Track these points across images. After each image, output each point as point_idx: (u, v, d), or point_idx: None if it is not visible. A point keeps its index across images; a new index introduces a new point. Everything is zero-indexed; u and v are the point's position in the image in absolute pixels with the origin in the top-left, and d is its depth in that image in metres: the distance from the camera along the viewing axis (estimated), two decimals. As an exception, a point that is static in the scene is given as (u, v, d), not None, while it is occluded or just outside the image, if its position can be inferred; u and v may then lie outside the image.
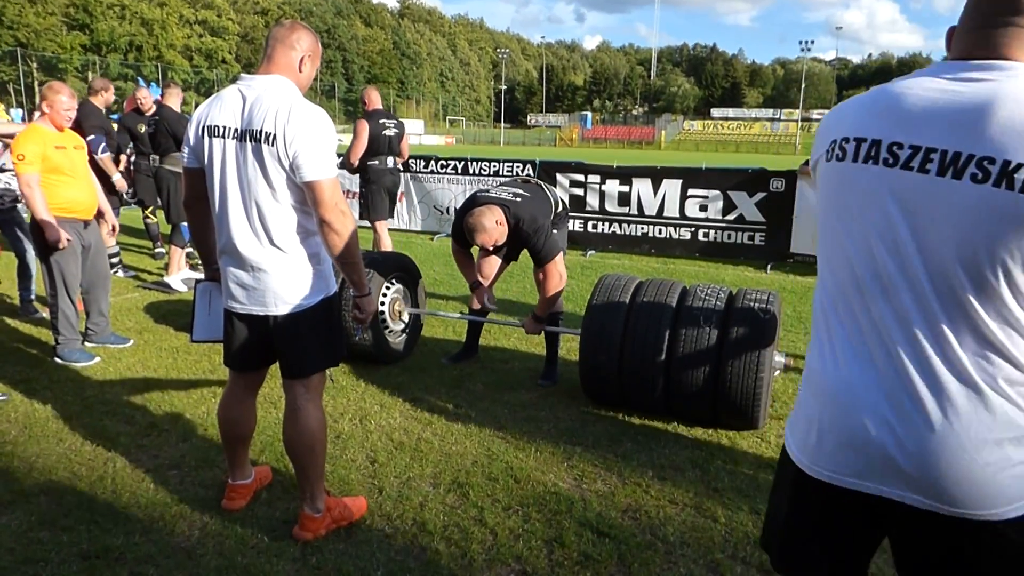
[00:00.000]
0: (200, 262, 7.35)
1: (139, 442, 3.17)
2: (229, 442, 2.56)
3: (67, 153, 4.19)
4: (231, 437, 2.54)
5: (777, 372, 3.55)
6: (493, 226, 3.60)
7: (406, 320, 4.48)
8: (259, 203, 2.15)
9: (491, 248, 3.82)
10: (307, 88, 2.29)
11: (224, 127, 2.16)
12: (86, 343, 4.40)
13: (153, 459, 3.02)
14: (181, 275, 6.28)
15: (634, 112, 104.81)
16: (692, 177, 8.08)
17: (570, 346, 4.74)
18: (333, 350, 2.42)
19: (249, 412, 2.55)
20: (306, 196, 2.16)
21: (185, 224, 6.07)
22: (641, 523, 2.63)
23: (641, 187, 8.22)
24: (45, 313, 4.89)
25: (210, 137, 2.18)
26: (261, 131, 2.09)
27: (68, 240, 4.07)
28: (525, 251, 3.95)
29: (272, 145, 2.09)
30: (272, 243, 2.19)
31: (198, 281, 2.59)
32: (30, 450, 3.08)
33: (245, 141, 2.13)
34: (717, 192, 7.90)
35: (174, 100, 6.23)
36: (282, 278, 2.22)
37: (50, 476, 2.85)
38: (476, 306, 4.37)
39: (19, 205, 5.20)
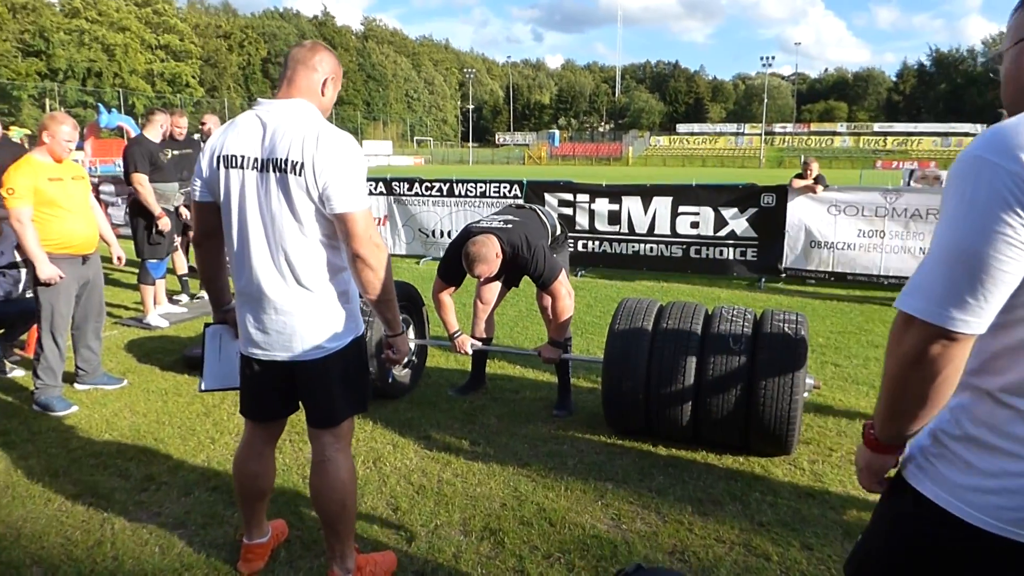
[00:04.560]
0: (182, 293, 6.93)
1: (137, 498, 2.91)
2: (246, 499, 2.33)
3: (63, 185, 3.92)
4: (249, 493, 2.31)
5: (806, 395, 3.44)
6: (493, 257, 3.51)
7: (411, 351, 4.28)
8: (284, 239, 1.96)
9: (487, 278, 3.73)
10: (328, 112, 2.12)
11: (243, 156, 1.96)
12: (76, 385, 4.12)
13: (154, 517, 2.76)
14: (159, 310, 5.98)
15: (600, 129, 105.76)
16: (682, 194, 8.02)
17: (581, 372, 4.58)
18: (362, 395, 2.22)
19: (268, 466, 2.32)
20: (336, 229, 1.97)
21: (152, 261, 5.78)
22: (691, 565, 2.47)
23: (631, 205, 8.14)
24: (23, 355, 4.58)
25: (226, 168, 1.98)
26: (287, 160, 1.90)
27: (60, 277, 3.82)
28: (526, 277, 3.84)
29: (300, 175, 1.90)
30: (299, 282, 1.99)
31: (207, 324, 2.36)
32: (15, 513, 2.80)
33: (267, 171, 1.93)
34: (708, 209, 7.85)
35: (153, 130, 5.86)
36: (310, 320, 2.02)
37: (41, 543, 2.58)
38: (480, 334, 4.20)
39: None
